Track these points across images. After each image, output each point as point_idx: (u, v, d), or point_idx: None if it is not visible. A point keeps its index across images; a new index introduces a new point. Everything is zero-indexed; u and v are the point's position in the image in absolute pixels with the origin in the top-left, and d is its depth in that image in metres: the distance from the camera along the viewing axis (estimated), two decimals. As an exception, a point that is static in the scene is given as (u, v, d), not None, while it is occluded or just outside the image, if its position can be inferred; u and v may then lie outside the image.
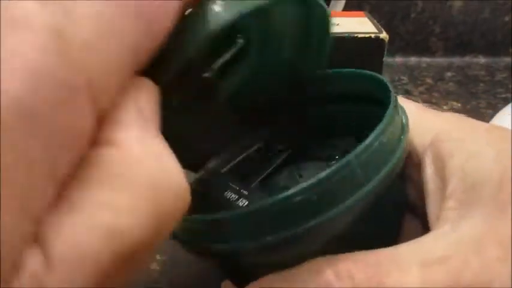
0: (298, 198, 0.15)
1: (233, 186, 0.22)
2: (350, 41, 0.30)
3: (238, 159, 0.25)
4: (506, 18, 0.69)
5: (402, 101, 0.21)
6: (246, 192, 0.22)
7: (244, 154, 0.25)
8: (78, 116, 0.10)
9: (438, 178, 0.18)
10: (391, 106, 0.18)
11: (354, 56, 0.24)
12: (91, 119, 0.10)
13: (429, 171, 0.19)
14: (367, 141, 0.16)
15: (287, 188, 0.18)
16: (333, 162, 0.24)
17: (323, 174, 0.15)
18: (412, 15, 0.70)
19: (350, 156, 0.16)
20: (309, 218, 0.15)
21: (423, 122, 0.20)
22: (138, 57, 0.12)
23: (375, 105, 0.22)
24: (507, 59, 0.70)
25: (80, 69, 0.10)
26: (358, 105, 0.23)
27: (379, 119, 0.22)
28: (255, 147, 0.26)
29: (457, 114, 0.21)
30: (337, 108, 0.25)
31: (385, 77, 0.21)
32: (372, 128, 0.23)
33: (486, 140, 0.18)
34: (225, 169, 0.25)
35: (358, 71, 0.22)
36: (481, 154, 0.17)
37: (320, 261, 0.16)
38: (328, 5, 0.55)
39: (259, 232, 0.15)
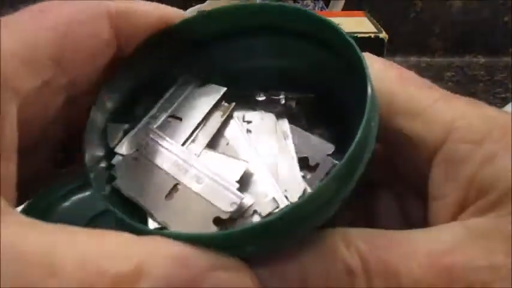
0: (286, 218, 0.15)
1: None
2: (350, 41, 0.30)
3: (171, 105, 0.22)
4: (506, 18, 0.69)
5: (406, 78, 0.19)
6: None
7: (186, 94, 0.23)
8: None
9: (449, 182, 0.18)
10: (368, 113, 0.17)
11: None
12: None
13: (439, 173, 0.18)
14: (345, 158, 0.16)
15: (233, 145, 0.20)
16: (280, 111, 0.23)
17: (309, 195, 0.15)
18: (412, 15, 0.70)
19: (331, 177, 0.16)
20: (297, 227, 0.16)
21: (435, 113, 0.19)
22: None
23: (327, 49, 0.21)
24: (507, 59, 0.70)
25: None
26: (311, 46, 0.21)
27: (338, 70, 0.21)
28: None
29: (471, 102, 0.19)
30: (288, 42, 0.22)
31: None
32: (327, 82, 0.21)
33: (503, 141, 0.17)
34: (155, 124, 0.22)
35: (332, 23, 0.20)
36: (496, 158, 0.17)
37: (334, 235, 0.16)
38: (327, 5, 0.55)
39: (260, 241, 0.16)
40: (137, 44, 0.20)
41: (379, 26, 0.32)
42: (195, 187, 0.19)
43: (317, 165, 0.21)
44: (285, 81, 0.23)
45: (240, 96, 0.23)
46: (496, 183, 0.16)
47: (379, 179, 0.23)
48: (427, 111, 0.19)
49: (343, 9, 0.55)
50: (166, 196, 0.19)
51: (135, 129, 0.22)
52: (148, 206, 0.19)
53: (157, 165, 0.20)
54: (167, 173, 0.20)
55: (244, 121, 0.23)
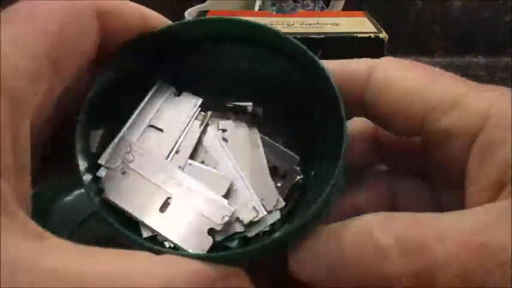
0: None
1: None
2: (350, 41, 0.30)
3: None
4: (506, 19, 0.69)
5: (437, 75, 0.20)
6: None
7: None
8: None
9: (484, 166, 0.18)
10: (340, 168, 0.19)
11: (353, 56, 0.24)
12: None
13: (476, 160, 0.18)
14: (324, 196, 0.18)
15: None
16: (248, 119, 0.25)
17: (298, 224, 0.18)
18: (412, 15, 0.70)
19: (308, 217, 0.18)
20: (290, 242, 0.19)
21: (470, 103, 0.19)
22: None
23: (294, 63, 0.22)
24: (507, 59, 0.70)
25: None
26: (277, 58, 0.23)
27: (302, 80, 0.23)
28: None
29: (502, 90, 0.19)
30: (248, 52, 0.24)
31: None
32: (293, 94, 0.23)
33: None
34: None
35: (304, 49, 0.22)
36: None
37: (371, 218, 0.17)
38: (327, 5, 0.55)
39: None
40: (118, 46, 0.21)
41: (379, 26, 0.32)
42: (187, 200, 0.21)
43: (285, 174, 0.23)
44: (257, 88, 0.24)
45: (211, 102, 0.24)
46: None
47: (410, 168, 0.24)
48: (462, 102, 0.19)
49: (343, 9, 0.55)
50: (160, 209, 0.20)
51: (116, 140, 0.22)
52: (142, 218, 0.20)
53: (146, 179, 0.21)
54: (158, 186, 0.21)
55: (219, 129, 0.24)
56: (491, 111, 0.18)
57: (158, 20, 0.22)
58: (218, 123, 0.24)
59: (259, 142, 0.24)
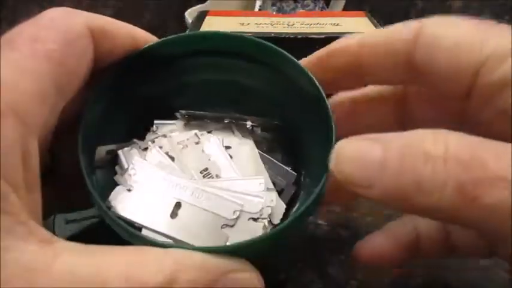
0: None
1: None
2: (350, 41, 0.30)
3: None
4: (506, 18, 0.69)
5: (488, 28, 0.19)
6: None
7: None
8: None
9: None
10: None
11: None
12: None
13: None
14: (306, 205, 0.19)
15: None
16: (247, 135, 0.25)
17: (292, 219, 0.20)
18: (413, 15, 0.69)
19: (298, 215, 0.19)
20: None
21: None
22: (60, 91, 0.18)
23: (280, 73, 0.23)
24: (507, 59, 0.70)
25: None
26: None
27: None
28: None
29: None
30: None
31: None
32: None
33: None
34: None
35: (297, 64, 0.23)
36: None
37: (421, 131, 0.17)
38: (327, 5, 0.55)
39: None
40: (111, 64, 0.22)
41: (380, 26, 0.32)
42: (197, 202, 0.21)
43: (282, 190, 0.24)
44: (238, 95, 0.26)
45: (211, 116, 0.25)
46: None
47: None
48: None
49: (343, 9, 0.55)
50: (170, 215, 0.21)
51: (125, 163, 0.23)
52: (156, 227, 0.21)
53: (154, 188, 0.22)
54: (166, 194, 0.21)
55: (223, 145, 0.24)
56: None
57: (147, 38, 0.23)
58: (222, 140, 0.24)
59: (259, 159, 0.24)
